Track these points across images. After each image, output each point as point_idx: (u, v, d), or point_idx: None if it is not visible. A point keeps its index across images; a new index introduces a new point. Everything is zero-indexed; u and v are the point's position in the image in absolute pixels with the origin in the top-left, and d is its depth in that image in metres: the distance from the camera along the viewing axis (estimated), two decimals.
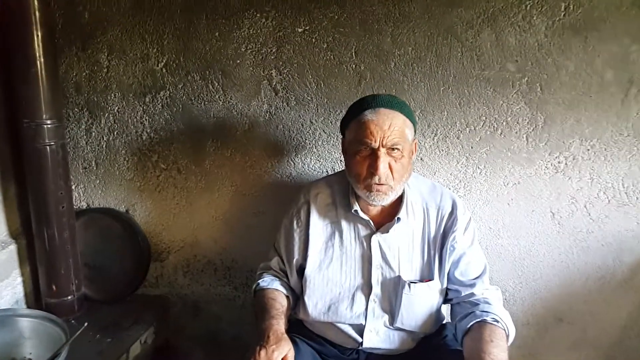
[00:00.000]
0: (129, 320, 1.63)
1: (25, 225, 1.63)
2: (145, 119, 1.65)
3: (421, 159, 1.55)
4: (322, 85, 1.53)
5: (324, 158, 1.59)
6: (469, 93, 1.47)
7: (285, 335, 1.14)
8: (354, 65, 1.49)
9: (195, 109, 1.61)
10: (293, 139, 1.59)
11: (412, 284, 1.22)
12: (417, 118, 1.38)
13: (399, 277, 1.24)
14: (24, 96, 1.45)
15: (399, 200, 1.26)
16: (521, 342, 1.62)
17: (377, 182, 1.16)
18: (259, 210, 1.67)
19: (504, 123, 1.48)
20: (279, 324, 1.16)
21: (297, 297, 1.34)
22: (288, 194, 1.47)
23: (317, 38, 1.49)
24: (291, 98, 1.55)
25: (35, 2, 1.40)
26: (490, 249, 1.59)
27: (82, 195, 1.75)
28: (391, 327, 1.25)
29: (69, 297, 1.61)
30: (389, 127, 1.15)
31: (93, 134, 1.69)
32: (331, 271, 1.27)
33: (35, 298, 1.68)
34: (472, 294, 1.23)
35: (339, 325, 1.27)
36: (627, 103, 1.42)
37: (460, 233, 1.25)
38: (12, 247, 1.60)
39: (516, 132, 1.48)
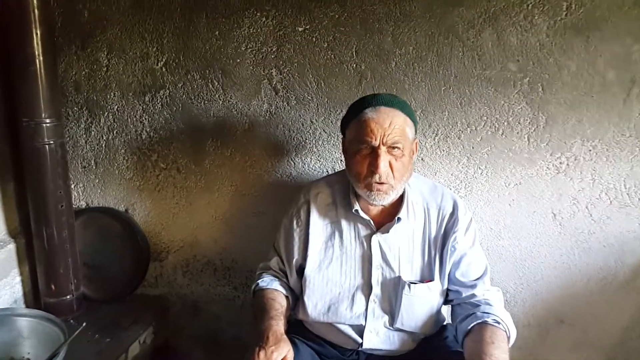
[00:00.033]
0: (128, 320, 1.62)
1: (24, 224, 1.63)
2: (145, 118, 1.64)
3: (422, 159, 1.54)
4: (323, 85, 1.52)
5: (324, 158, 1.59)
6: (470, 93, 1.46)
7: (285, 336, 1.14)
8: (354, 65, 1.49)
9: (195, 108, 1.60)
10: (293, 139, 1.58)
11: (412, 285, 1.22)
12: (418, 118, 1.37)
13: (399, 277, 1.23)
14: (23, 95, 1.44)
15: (400, 200, 1.25)
16: (522, 343, 1.61)
17: (377, 180, 1.15)
18: (259, 210, 1.66)
19: (506, 123, 1.47)
20: (278, 325, 1.16)
21: (296, 297, 1.33)
22: (288, 194, 1.47)
23: (318, 37, 1.48)
24: (291, 97, 1.55)
25: (35, 0, 1.39)
26: (491, 249, 1.58)
27: (81, 194, 1.75)
28: (391, 327, 1.25)
29: (68, 297, 1.61)
30: (390, 125, 1.15)
31: (92, 133, 1.68)
32: (331, 271, 1.26)
33: (34, 297, 1.68)
34: (473, 295, 1.22)
35: (338, 325, 1.27)
36: (629, 103, 1.41)
37: (461, 234, 1.25)
38: (11, 246, 1.59)
39: (517, 133, 1.48)
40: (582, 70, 1.40)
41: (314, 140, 1.58)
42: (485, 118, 1.48)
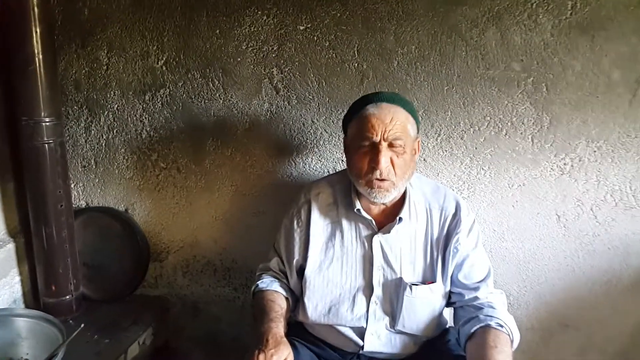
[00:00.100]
0: (127, 321, 1.62)
1: (23, 223, 1.62)
2: (145, 117, 1.63)
3: (424, 159, 1.53)
4: (324, 84, 1.51)
5: (325, 158, 1.58)
6: (474, 93, 1.45)
7: (285, 339, 1.13)
8: (356, 64, 1.48)
9: (196, 108, 1.60)
10: (294, 139, 1.57)
11: (413, 286, 1.20)
12: (420, 118, 1.36)
13: (401, 278, 1.22)
14: (23, 93, 1.44)
15: (402, 201, 1.24)
16: (525, 347, 1.59)
17: (378, 177, 1.14)
18: (259, 211, 1.65)
19: (509, 123, 1.46)
20: (278, 327, 1.15)
21: (296, 298, 1.32)
22: (289, 194, 1.46)
23: (319, 36, 1.48)
24: (292, 97, 1.54)
25: None
26: (495, 252, 1.56)
27: (81, 194, 1.74)
28: (392, 330, 1.23)
29: (67, 297, 1.60)
30: (391, 120, 1.14)
31: (92, 132, 1.68)
32: (331, 272, 1.25)
33: (33, 297, 1.68)
34: (476, 298, 1.21)
35: (339, 328, 1.25)
36: (635, 104, 1.40)
37: (464, 235, 1.23)
38: (10, 246, 1.59)
39: (521, 133, 1.46)
40: (587, 70, 1.39)
41: (315, 140, 1.57)
42: (488, 118, 1.46)
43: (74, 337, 1.26)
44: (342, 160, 1.56)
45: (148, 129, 1.64)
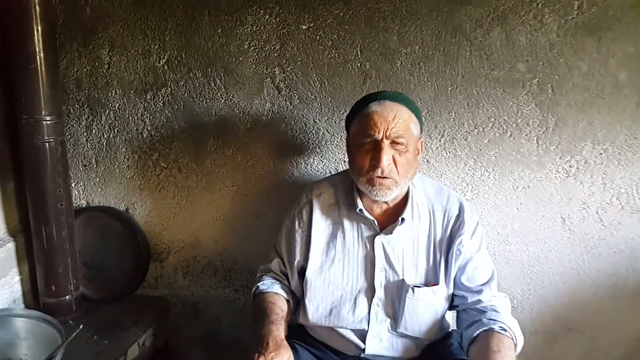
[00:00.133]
0: (127, 321, 1.61)
1: (23, 222, 1.62)
2: (146, 117, 1.63)
3: (427, 160, 1.51)
4: (326, 84, 1.50)
5: (327, 158, 1.57)
6: (478, 93, 1.44)
7: (285, 342, 1.12)
8: (359, 64, 1.47)
9: (197, 107, 1.59)
10: (296, 139, 1.56)
11: (416, 288, 1.19)
12: (423, 119, 1.35)
13: (403, 280, 1.21)
14: (23, 92, 1.43)
15: (404, 201, 1.23)
16: (529, 351, 1.57)
17: (379, 175, 1.14)
18: (261, 211, 1.64)
19: (514, 125, 1.44)
20: (279, 330, 1.14)
21: (297, 300, 1.31)
22: (290, 195, 1.45)
23: (322, 35, 1.47)
24: (294, 97, 1.53)
25: None
26: (498, 254, 1.55)
27: (81, 193, 1.74)
28: (394, 332, 1.22)
29: (67, 297, 1.60)
30: (394, 118, 1.13)
31: (93, 131, 1.67)
32: (333, 273, 1.24)
33: (33, 297, 1.67)
34: (479, 301, 1.20)
35: (340, 330, 1.24)
36: None
37: (467, 237, 1.22)
38: (10, 245, 1.58)
39: (526, 135, 1.45)
40: (593, 71, 1.37)
41: (317, 141, 1.56)
42: (493, 119, 1.45)
43: (74, 338, 1.26)
44: (344, 161, 1.54)
45: (149, 128, 1.64)
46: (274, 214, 1.58)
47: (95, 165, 1.70)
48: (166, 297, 1.79)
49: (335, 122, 1.53)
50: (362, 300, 1.22)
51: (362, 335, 1.23)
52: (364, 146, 1.16)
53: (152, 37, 1.55)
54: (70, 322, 1.57)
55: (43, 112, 1.44)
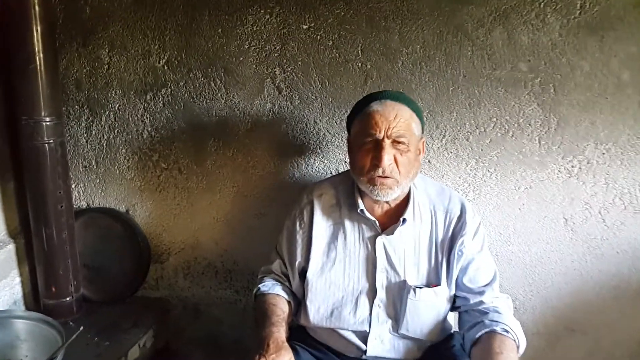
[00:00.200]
0: (128, 323, 1.61)
1: (24, 224, 1.61)
2: (146, 117, 1.62)
3: (429, 161, 1.51)
4: (327, 84, 1.49)
5: (328, 159, 1.56)
6: (480, 93, 1.43)
7: (286, 344, 1.11)
8: (360, 64, 1.46)
9: (197, 107, 1.58)
10: (296, 139, 1.56)
11: (417, 289, 1.19)
12: (425, 119, 1.35)
13: (404, 281, 1.20)
14: (23, 93, 1.43)
15: (405, 202, 1.23)
16: (531, 352, 1.55)
17: (380, 174, 1.13)
18: (261, 212, 1.64)
19: (516, 125, 1.44)
20: (280, 332, 1.13)
21: (299, 302, 1.31)
22: (291, 196, 1.45)
23: (322, 35, 1.46)
24: (295, 97, 1.52)
25: None
26: (500, 255, 1.54)
27: (82, 194, 1.73)
28: (396, 333, 1.22)
29: (68, 299, 1.59)
30: (395, 117, 1.13)
31: (93, 132, 1.67)
32: (334, 274, 1.24)
33: (33, 298, 1.67)
34: (481, 302, 1.19)
35: (341, 332, 1.24)
36: None
37: (469, 238, 1.22)
38: (11, 247, 1.58)
39: (528, 135, 1.44)
40: (595, 71, 1.37)
41: (317, 141, 1.55)
42: (494, 119, 1.44)
43: (74, 339, 1.26)
44: (345, 162, 1.54)
45: (149, 129, 1.63)
46: (275, 215, 1.58)
47: (95, 167, 1.70)
48: (167, 299, 1.78)
49: (336, 122, 1.52)
50: (364, 301, 1.22)
51: (364, 336, 1.22)
52: (365, 146, 1.15)
53: (152, 37, 1.55)
54: (71, 323, 1.57)
55: (43, 113, 1.44)
